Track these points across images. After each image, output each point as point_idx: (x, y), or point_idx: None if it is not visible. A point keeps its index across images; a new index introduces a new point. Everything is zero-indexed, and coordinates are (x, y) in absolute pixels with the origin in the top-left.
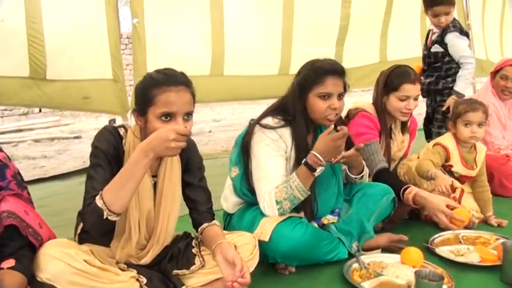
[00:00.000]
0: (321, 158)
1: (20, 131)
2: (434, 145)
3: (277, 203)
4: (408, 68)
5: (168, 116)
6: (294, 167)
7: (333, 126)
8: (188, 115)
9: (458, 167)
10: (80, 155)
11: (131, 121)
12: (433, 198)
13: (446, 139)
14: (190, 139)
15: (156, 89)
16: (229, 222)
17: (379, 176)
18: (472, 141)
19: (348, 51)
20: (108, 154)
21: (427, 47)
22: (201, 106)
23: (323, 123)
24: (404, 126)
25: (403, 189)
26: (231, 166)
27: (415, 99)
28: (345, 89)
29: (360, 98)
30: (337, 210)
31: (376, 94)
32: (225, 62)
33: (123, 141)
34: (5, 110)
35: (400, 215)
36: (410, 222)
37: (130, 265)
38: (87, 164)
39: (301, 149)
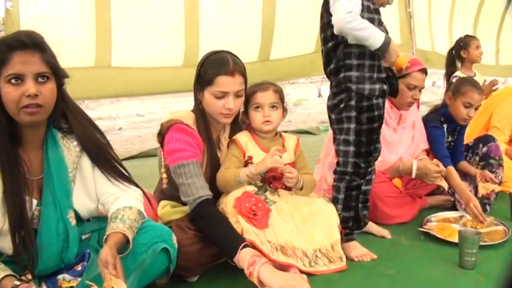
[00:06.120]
0: None
1: None
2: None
3: None
4: (227, 54)
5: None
6: None
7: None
8: None
9: (260, 157)
10: None
11: None
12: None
13: (241, 133)
14: None
15: None
16: None
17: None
18: (267, 128)
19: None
20: None
21: None
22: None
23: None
24: (232, 131)
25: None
26: None
27: (238, 96)
28: (54, 69)
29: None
30: (79, 267)
31: (194, 91)
32: (112, 51)
33: None
34: None
35: None
36: None
37: None
38: None
39: None
